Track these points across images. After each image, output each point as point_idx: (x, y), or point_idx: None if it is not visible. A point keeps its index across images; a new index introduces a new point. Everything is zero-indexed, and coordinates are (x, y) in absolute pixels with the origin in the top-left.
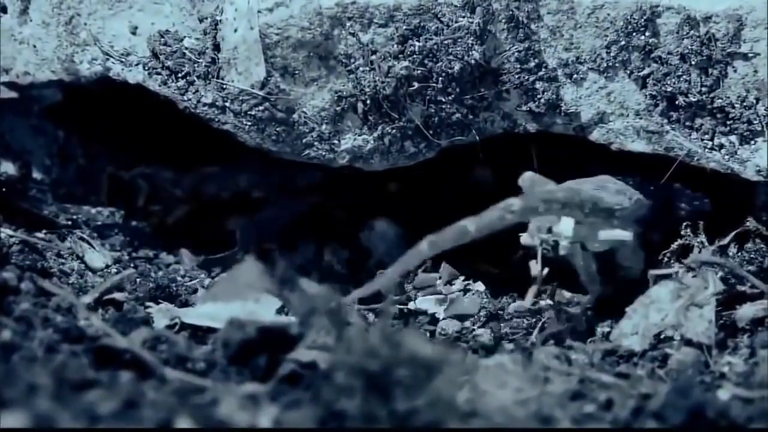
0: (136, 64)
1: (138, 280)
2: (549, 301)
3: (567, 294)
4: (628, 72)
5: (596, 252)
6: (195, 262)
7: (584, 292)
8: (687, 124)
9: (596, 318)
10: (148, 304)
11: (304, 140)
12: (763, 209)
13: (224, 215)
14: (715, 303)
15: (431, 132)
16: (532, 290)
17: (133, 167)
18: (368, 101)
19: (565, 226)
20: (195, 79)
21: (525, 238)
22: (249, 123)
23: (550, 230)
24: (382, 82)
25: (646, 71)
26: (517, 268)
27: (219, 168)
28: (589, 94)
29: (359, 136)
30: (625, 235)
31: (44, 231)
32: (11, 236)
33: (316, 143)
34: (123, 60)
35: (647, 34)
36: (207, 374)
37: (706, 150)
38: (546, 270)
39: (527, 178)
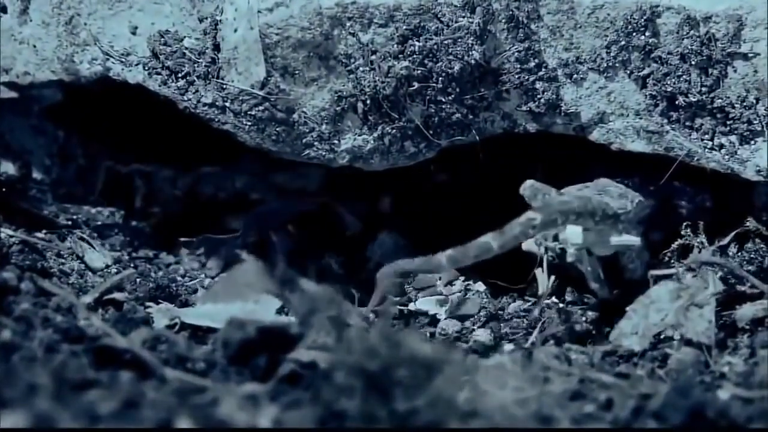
0: (136, 64)
1: (138, 280)
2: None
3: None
4: (628, 72)
5: (601, 255)
6: (194, 261)
7: (592, 295)
8: (687, 124)
9: (597, 319)
10: (148, 304)
11: (304, 140)
12: (763, 209)
13: (224, 215)
14: (715, 303)
15: (431, 132)
16: (541, 301)
17: (131, 165)
18: (368, 101)
19: (573, 233)
20: (195, 79)
21: (527, 245)
22: (249, 123)
23: (556, 238)
24: (382, 82)
25: (646, 71)
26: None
27: (217, 168)
28: (589, 94)
29: (359, 136)
30: (635, 240)
31: (44, 231)
32: (11, 236)
33: (316, 143)
34: (123, 60)
35: (647, 34)
36: (207, 374)
37: (706, 150)
38: (553, 278)
39: (528, 186)
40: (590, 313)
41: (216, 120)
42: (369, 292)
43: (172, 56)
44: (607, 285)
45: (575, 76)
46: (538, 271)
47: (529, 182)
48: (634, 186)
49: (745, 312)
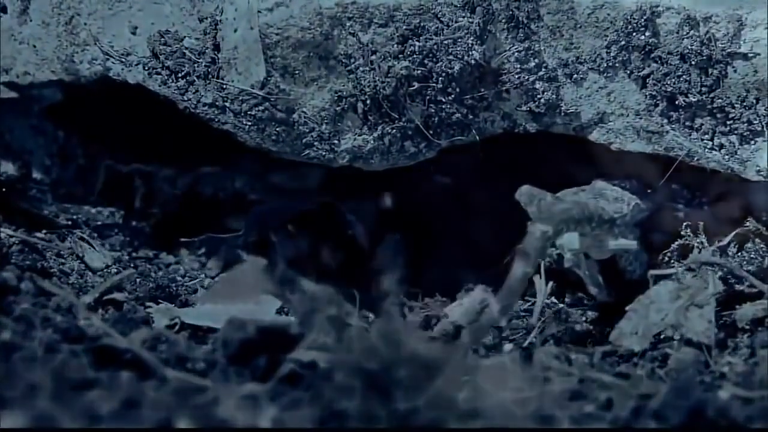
0: (136, 64)
1: (138, 280)
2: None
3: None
4: (628, 72)
5: (599, 259)
6: (194, 261)
7: (592, 298)
8: (687, 124)
9: (597, 319)
10: (148, 304)
11: (304, 140)
12: (763, 209)
13: (224, 215)
14: (715, 303)
15: (431, 132)
16: (538, 306)
17: (131, 165)
18: (368, 101)
19: (570, 239)
20: (195, 79)
21: None
22: (249, 123)
23: (553, 244)
24: (382, 82)
25: (646, 71)
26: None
27: (217, 168)
28: (589, 94)
29: (359, 136)
30: (631, 244)
31: (44, 231)
32: (11, 236)
33: (316, 143)
34: (123, 60)
35: (647, 34)
36: (207, 374)
37: (706, 150)
38: (551, 284)
39: (525, 192)
40: (590, 314)
41: (216, 120)
42: (369, 292)
43: (172, 56)
44: (606, 288)
45: (575, 76)
46: (535, 278)
47: (525, 188)
48: (632, 189)
49: (745, 312)
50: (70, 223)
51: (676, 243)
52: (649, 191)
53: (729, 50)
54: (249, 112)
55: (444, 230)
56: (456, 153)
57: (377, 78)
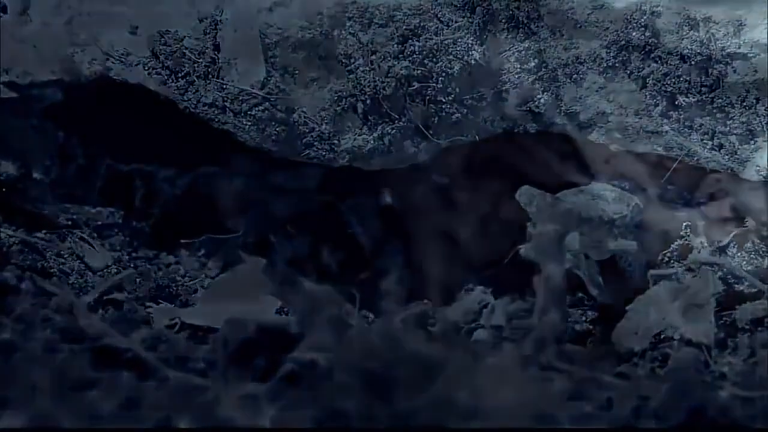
0: (136, 64)
1: (138, 280)
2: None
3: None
4: (628, 72)
5: (599, 259)
6: (195, 261)
7: (592, 299)
8: (687, 124)
9: (597, 319)
10: (148, 304)
11: (304, 140)
12: (762, 209)
13: (223, 215)
14: (715, 303)
15: (431, 132)
16: (538, 306)
17: (131, 164)
18: (368, 101)
19: (570, 239)
20: (195, 79)
21: (526, 251)
22: (249, 123)
23: None
24: (382, 82)
25: (646, 71)
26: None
27: (217, 168)
28: (588, 95)
29: (359, 136)
30: (631, 245)
31: (44, 231)
32: (11, 236)
33: (316, 143)
34: (123, 60)
35: (647, 34)
36: (207, 374)
37: (706, 150)
38: None
39: (525, 192)
40: (590, 314)
41: (216, 120)
42: (370, 292)
43: (172, 56)
44: (606, 289)
45: (575, 76)
46: (535, 278)
47: (525, 188)
48: (631, 189)
49: (745, 312)
50: (70, 223)
51: (676, 243)
52: (647, 192)
53: (729, 50)
54: (249, 112)
55: (442, 230)
56: (453, 152)
57: (377, 78)
